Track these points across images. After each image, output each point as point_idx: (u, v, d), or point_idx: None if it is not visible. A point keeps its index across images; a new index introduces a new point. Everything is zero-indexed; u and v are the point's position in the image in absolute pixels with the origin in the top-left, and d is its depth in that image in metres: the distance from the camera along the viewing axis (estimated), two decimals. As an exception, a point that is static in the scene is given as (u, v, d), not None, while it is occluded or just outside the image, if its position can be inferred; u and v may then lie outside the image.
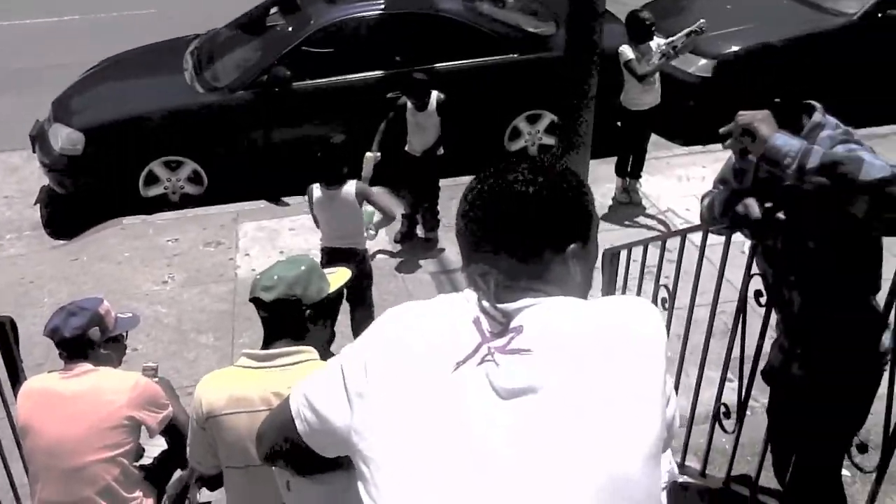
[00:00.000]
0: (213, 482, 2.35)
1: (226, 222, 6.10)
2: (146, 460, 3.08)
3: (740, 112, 2.12)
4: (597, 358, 1.09)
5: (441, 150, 5.60)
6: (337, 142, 4.23)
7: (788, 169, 2.00)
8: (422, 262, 5.51)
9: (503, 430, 1.05)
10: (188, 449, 2.36)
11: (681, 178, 6.30)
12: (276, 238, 5.88)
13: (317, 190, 4.25)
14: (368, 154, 5.41)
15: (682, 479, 2.85)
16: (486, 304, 1.16)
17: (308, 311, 2.21)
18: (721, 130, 2.24)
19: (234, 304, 5.14)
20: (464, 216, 1.23)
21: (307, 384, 1.31)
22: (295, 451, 1.33)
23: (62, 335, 2.77)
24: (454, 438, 1.07)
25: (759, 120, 2.07)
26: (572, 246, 1.20)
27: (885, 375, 2.10)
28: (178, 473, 3.17)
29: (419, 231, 5.81)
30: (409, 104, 5.46)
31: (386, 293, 5.08)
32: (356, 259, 4.27)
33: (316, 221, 4.40)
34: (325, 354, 2.22)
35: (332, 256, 4.25)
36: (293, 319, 2.19)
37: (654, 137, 7.34)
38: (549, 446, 1.04)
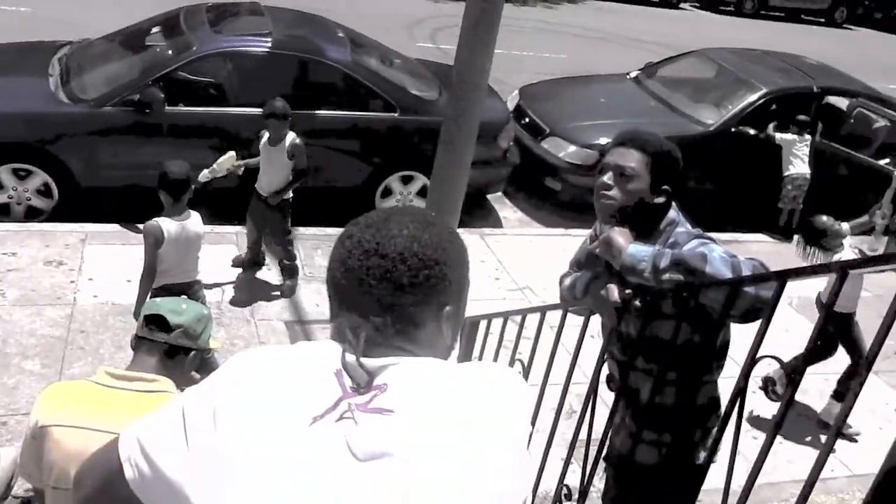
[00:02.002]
0: (42, 500, 2.16)
1: (72, 242, 5.72)
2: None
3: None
4: (459, 427, 1.06)
5: (288, 196, 5.42)
6: (180, 175, 4.11)
7: (645, 273, 2.17)
8: (278, 309, 5.36)
9: (353, 494, 1.01)
10: (19, 459, 2.22)
11: (540, 257, 6.48)
12: (126, 265, 5.53)
13: (167, 223, 4.03)
14: (232, 153, 5.32)
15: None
16: (350, 358, 1.10)
17: (193, 353, 2.24)
18: (588, 247, 2.49)
19: (69, 331, 4.77)
20: (340, 264, 1.18)
21: (141, 427, 1.19)
22: (118, 500, 1.19)
23: None
24: (301, 497, 1.01)
25: (616, 233, 2.27)
26: (447, 308, 1.18)
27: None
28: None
29: (277, 279, 5.65)
30: (264, 136, 5.34)
31: (237, 338, 4.90)
32: (195, 290, 4.18)
33: (156, 261, 4.03)
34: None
35: (169, 293, 3.99)
36: (175, 350, 2.20)
37: (520, 215, 7.64)
38: None
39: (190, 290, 4.09)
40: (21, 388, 4.27)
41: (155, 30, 7.07)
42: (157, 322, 2.21)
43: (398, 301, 1.14)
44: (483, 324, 3.69)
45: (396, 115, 6.73)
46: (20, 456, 2.20)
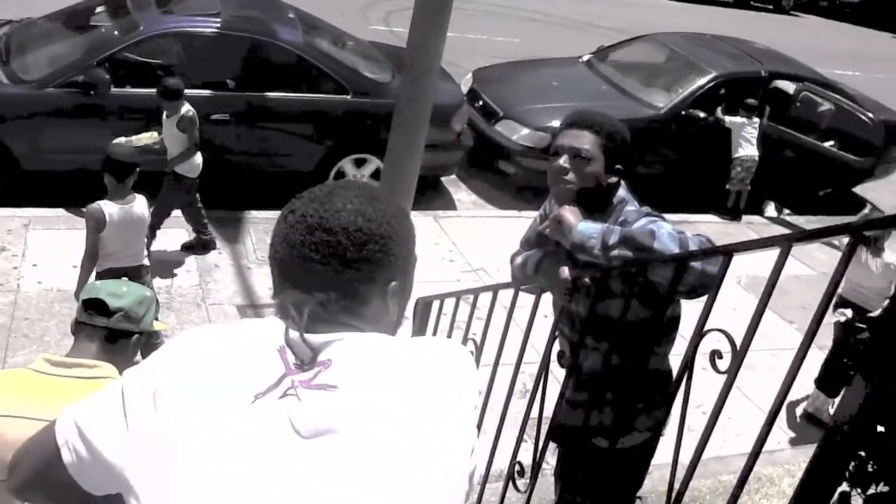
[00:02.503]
0: None
1: (14, 227, 5.56)
2: None
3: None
4: (405, 401, 1.05)
5: (186, 170, 5.37)
6: (125, 157, 4.06)
7: (594, 250, 2.20)
8: (229, 293, 5.29)
9: (298, 472, 0.99)
10: None
11: (494, 239, 6.50)
12: (71, 250, 5.37)
13: (110, 206, 3.95)
14: (154, 133, 5.35)
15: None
16: (293, 334, 1.08)
17: (136, 336, 2.18)
18: (539, 228, 2.52)
19: (13, 318, 4.65)
20: (283, 240, 1.15)
21: (79, 410, 1.16)
22: (56, 483, 1.17)
23: None
24: (244, 477, 0.99)
25: (566, 211, 2.30)
26: (393, 283, 1.17)
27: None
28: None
29: (229, 262, 5.58)
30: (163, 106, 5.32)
31: (187, 322, 4.83)
32: (140, 274, 4.13)
33: (98, 245, 3.96)
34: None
35: (113, 276, 3.87)
36: (116, 334, 2.14)
37: (475, 198, 7.65)
38: (346, 494, 0.98)
39: (136, 274, 4.02)
40: (-38, 376, 4.15)
41: (100, 9, 6.90)
42: (96, 306, 2.15)
43: (343, 277, 1.12)
44: (436, 304, 3.69)
45: (349, 97, 6.67)
46: None
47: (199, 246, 5.63)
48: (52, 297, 4.89)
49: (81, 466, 1.13)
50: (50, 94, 5.88)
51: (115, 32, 6.37)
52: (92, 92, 5.88)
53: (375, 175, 6.72)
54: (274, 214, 6.11)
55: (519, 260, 2.72)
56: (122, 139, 5.15)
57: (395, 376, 1.07)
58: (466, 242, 6.40)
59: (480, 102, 8.06)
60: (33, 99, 5.86)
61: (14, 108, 5.83)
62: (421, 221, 6.23)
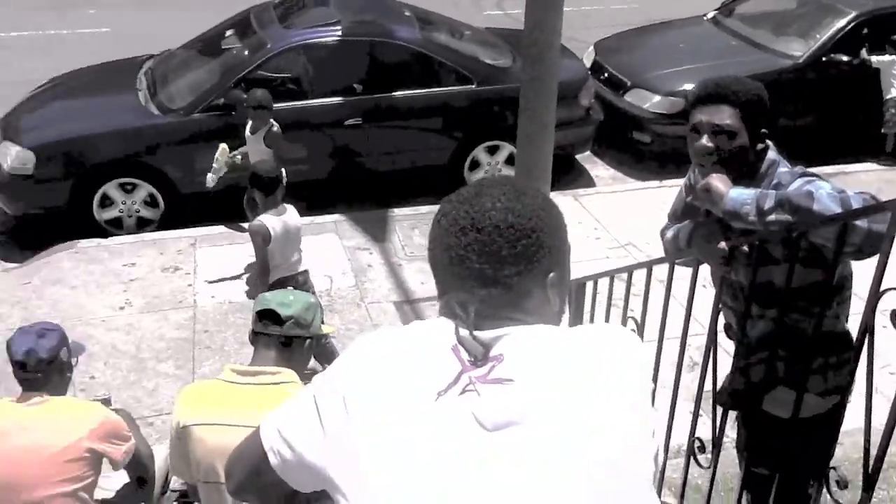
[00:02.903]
0: (196, 495, 2.32)
1: (183, 247, 5.99)
2: (104, 493, 2.99)
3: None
4: (581, 388, 1.08)
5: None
6: (270, 172, 4.28)
7: (749, 216, 2.14)
8: (385, 291, 5.48)
9: (491, 463, 1.04)
10: (169, 459, 2.35)
11: (638, 211, 6.41)
12: (236, 264, 5.78)
13: (270, 220, 4.19)
14: (223, 145, 5.43)
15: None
16: (463, 332, 1.13)
17: (308, 340, 2.30)
18: (687, 200, 2.45)
19: (194, 332, 5.03)
20: (439, 244, 1.20)
21: (279, 418, 1.27)
22: (266, 484, 1.29)
23: (38, 356, 2.67)
24: (438, 471, 1.05)
25: (715, 180, 2.23)
26: (552, 275, 1.19)
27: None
28: (140, 509, 3.09)
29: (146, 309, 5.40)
30: (248, 123, 5.40)
31: (350, 322, 5.06)
32: (304, 280, 4.35)
33: (268, 258, 4.18)
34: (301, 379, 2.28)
35: (281, 286, 4.11)
36: (291, 340, 2.27)
37: (611, 171, 7.55)
38: (540, 482, 1.03)
39: (300, 280, 4.25)
40: (160, 389, 4.54)
41: (228, 33, 7.28)
42: (269, 316, 2.29)
43: (501, 273, 1.15)
44: (589, 285, 3.69)
45: (473, 86, 6.74)
46: (170, 456, 2.34)
47: None
48: (226, 309, 5.25)
49: (287, 468, 1.23)
50: (196, 119, 6.27)
51: (246, 53, 6.70)
52: (233, 112, 6.22)
53: (509, 161, 6.76)
54: (415, 210, 6.36)
55: (670, 234, 2.69)
56: (210, 175, 5.40)
57: (568, 365, 1.10)
58: (610, 218, 6.33)
59: (606, 74, 7.92)
60: (182, 126, 6.27)
61: (166, 136, 6.26)
62: (561, 202, 6.15)
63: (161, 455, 3.27)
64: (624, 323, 3.08)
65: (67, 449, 2.61)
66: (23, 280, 5.62)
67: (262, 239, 4.14)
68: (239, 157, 5.50)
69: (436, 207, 1.25)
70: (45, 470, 2.59)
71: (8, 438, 2.61)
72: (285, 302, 2.31)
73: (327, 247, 5.89)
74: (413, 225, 6.17)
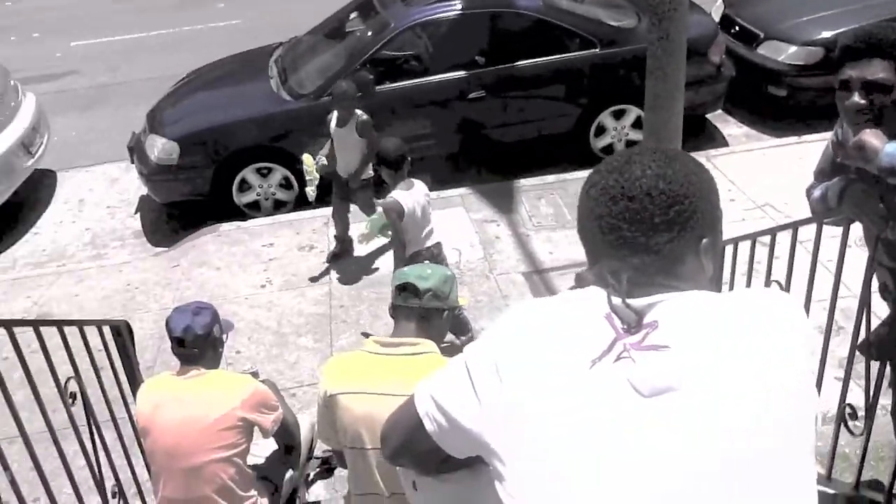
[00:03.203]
0: (342, 460, 2.43)
1: (317, 227, 6.21)
2: (255, 459, 3.16)
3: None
4: (741, 353, 1.05)
5: (369, 174, 5.32)
6: (397, 149, 4.33)
7: None
8: (513, 262, 5.48)
9: (649, 429, 1.03)
10: (316, 426, 2.47)
11: (776, 170, 6.10)
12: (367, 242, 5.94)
13: (401, 195, 4.27)
14: (305, 155, 5.33)
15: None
16: (616, 300, 1.12)
17: (445, 312, 2.34)
18: (837, 159, 2.34)
19: (331, 307, 5.22)
20: (589, 214, 1.19)
21: (433, 385, 1.29)
22: (422, 450, 1.32)
23: (195, 332, 2.86)
24: (594, 438, 1.05)
25: (868, 136, 2.12)
26: (705, 240, 1.16)
27: None
28: (289, 474, 3.25)
29: (284, 287, 5.56)
30: (332, 119, 5.27)
31: (480, 294, 5.10)
32: (438, 252, 4.44)
33: (403, 233, 4.32)
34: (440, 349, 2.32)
35: (416, 260, 4.24)
36: (429, 312, 2.32)
37: (746, 130, 7.21)
38: (698, 448, 1.01)
39: (434, 252, 4.32)
40: (301, 362, 4.75)
41: (352, 16, 7.42)
42: (408, 289, 2.34)
43: (653, 241, 1.13)
44: (729, 249, 3.55)
45: (597, 50, 6.58)
46: (317, 423, 2.45)
47: (340, 250, 5.73)
48: (360, 285, 5.41)
49: (442, 434, 1.26)
50: (325, 103, 6.40)
51: (369, 34, 6.81)
52: (360, 94, 6.35)
53: (637, 124, 6.58)
54: (541, 180, 6.30)
55: (817, 193, 2.55)
56: (308, 189, 5.40)
57: (724, 330, 1.08)
58: (745, 178, 6.05)
59: (736, 28, 7.54)
60: (312, 110, 6.42)
61: (298, 120, 6.45)
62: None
63: (305, 424, 3.43)
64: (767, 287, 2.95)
65: (222, 418, 2.77)
66: (172, 263, 6.00)
67: (396, 215, 4.23)
68: (323, 159, 5.41)
69: (563, 176, 1.25)
70: (202, 438, 2.77)
71: (169, 409, 2.80)
72: (423, 275, 2.35)
73: (455, 220, 5.94)
74: (539, 195, 6.12)
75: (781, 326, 1.10)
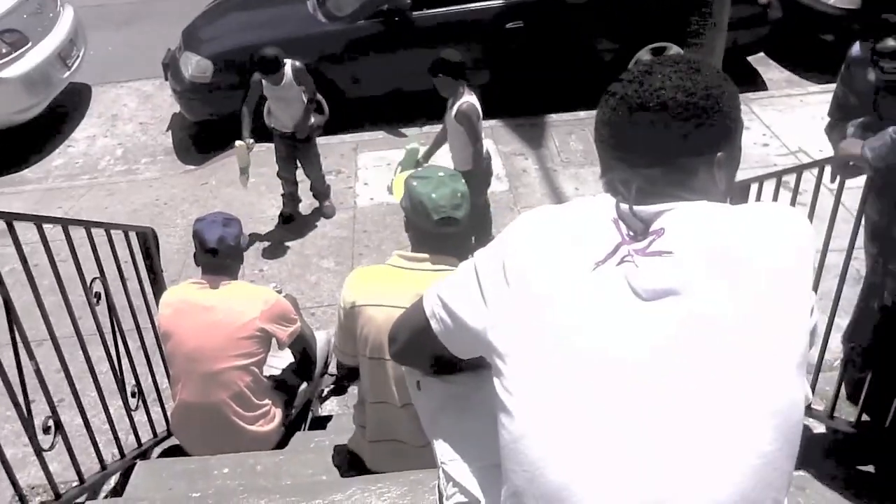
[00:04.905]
0: (353, 375, 2.49)
1: (345, 152, 6.22)
2: (271, 370, 3.24)
3: None
4: (743, 261, 1.05)
5: (316, 124, 5.18)
6: (457, 57, 4.28)
7: None
8: (539, 196, 5.47)
9: (646, 332, 1.04)
10: (334, 339, 2.52)
11: (814, 117, 5.94)
12: (394, 168, 5.94)
13: (474, 98, 4.29)
14: (239, 142, 5.00)
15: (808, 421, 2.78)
16: (624, 207, 1.11)
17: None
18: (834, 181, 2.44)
19: (354, 231, 5.27)
20: (605, 123, 1.18)
21: (441, 286, 1.31)
22: (427, 350, 1.34)
23: (227, 243, 2.92)
24: (594, 337, 1.06)
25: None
26: (720, 154, 1.15)
27: None
28: (303, 386, 3.34)
29: (310, 209, 5.55)
30: (263, 81, 4.98)
31: (502, 226, 5.03)
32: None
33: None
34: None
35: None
36: (462, 236, 2.32)
37: (787, 75, 7.02)
38: (700, 356, 1.01)
39: (486, 157, 4.48)
40: (322, 283, 4.83)
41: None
42: (449, 223, 2.26)
43: (667, 151, 1.13)
44: (754, 187, 3.50)
45: (638, -16, 6.41)
46: (335, 335, 2.50)
47: (291, 213, 5.52)
48: (384, 211, 5.44)
49: (447, 333, 1.27)
50: (360, 26, 6.38)
51: (409, -41, 6.68)
52: (396, 18, 6.27)
53: (675, 63, 6.43)
54: (573, 116, 6.20)
55: (851, 130, 2.53)
56: (241, 178, 5.13)
57: (731, 239, 1.07)
58: (782, 124, 5.94)
59: (787, -32, 7.29)
60: (347, 33, 6.40)
61: (334, 43, 6.41)
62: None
63: (322, 339, 3.51)
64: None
65: (242, 327, 2.85)
66: (201, 181, 6.06)
67: (476, 117, 4.26)
68: (252, 142, 5.11)
69: (595, 113, 1.23)
70: (223, 345, 2.85)
71: (192, 316, 2.88)
72: (456, 203, 2.27)
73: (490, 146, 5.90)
74: (570, 131, 6.06)
75: (786, 241, 1.09)
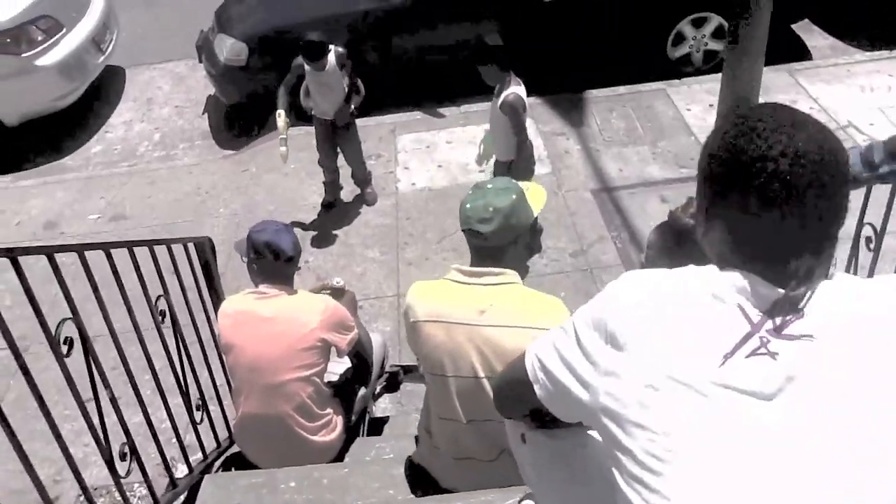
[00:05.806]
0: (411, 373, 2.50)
1: (384, 134, 6.16)
2: (330, 377, 3.26)
3: None
4: (885, 351, 1.00)
5: (354, 107, 5.09)
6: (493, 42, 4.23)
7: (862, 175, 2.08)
8: (583, 178, 5.38)
9: (792, 429, 0.99)
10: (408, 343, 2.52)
11: (863, 88, 5.80)
12: (434, 151, 5.90)
13: (521, 89, 4.24)
14: (280, 111, 4.89)
15: None
16: (766, 290, 1.04)
17: (518, 240, 2.23)
18: None
19: (397, 219, 5.24)
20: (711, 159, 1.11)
21: (542, 351, 1.26)
22: (531, 408, 1.34)
23: (287, 255, 2.93)
24: (736, 433, 1.01)
25: None
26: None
27: None
28: (361, 392, 3.36)
29: (351, 196, 5.52)
30: (306, 66, 4.87)
31: (548, 211, 5.01)
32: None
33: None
34: (523, 272, 2.28)
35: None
36: (504, 246, 2.23)
37: (832, 41, 6.82)
38: (854, 456, 0.97)
39: (530, 147, 4.46)
40: (368, 274, 4.82)
41: None
42: (473, 235, 2.22)
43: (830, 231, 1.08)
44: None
45: (680, -49, 6.23)
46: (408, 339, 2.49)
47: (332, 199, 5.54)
48: (426, 196, 5.40)
49: (552, 400, 1.25)
50: (398, 2, 6.26)
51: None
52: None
53: (717, 34, 6.28)
54: (613, 92, 6.03)
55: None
56: (282, 149, 4.95)
57: (871, 324, 1.02)
58: (829, 96, 5.78)
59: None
60: (382, 10, 6.28)
61: (366, 21, 6.29)
62: (773, 77, 5.72)
63: (378, 342, 3.52)
64: (859, 231, 2.83)
65: (302, 338, 2.86)
66: (241, 167, 6.05)
67: (521, 108, 4.22)
68: (289, 118, 4.99)
69: (636, 87, 1.18)
70: (284, 356, 2.86)
71: (252, 329, 2.89)
72: (485, 217, 2.20)
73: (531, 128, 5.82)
74: (610, 107, 5.94)
75: None
